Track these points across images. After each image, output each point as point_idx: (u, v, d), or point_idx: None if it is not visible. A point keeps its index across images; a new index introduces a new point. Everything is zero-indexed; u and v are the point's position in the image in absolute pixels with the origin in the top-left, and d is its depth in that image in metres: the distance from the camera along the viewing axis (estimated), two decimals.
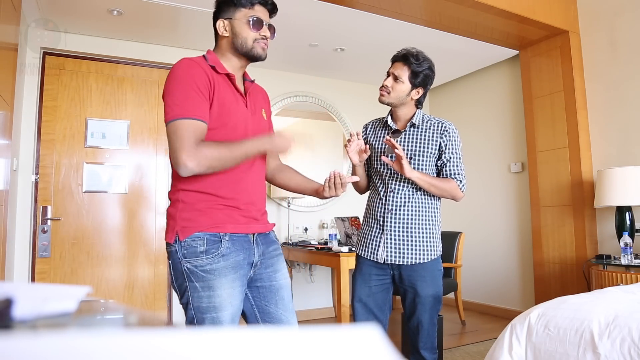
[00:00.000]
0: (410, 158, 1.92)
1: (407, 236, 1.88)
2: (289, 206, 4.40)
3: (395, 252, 1.88)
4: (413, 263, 1.87)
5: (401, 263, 1.88)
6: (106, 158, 3.62)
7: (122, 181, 3.65)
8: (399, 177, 1.91)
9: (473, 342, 3.46)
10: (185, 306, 1.40)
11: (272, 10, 1.52)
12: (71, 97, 3.55)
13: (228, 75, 1.45)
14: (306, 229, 4.46)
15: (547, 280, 3.76)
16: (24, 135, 3.31)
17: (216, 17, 1.49)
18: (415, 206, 1.91)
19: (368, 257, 1.94)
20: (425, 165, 1.93)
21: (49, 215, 3.38)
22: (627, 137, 3.42)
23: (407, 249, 1.88)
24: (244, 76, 1.56)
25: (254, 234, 1.48)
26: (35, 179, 3.38)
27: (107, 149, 3.63)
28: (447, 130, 1.94)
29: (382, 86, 1.93)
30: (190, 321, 1.39)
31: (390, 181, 1.94)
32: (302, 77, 4.66)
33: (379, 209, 1.95)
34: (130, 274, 3.61)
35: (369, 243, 1.95)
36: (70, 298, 0.54)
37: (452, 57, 4.31)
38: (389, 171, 1.94)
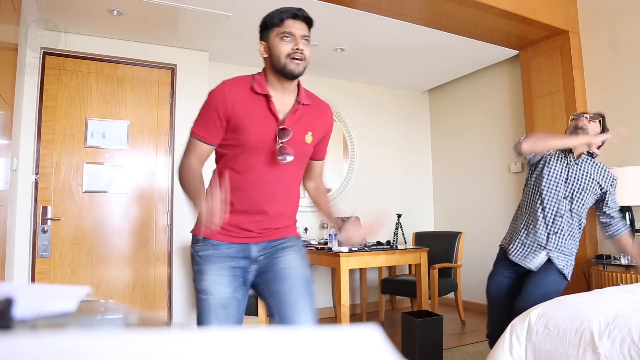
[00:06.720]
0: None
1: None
2: None
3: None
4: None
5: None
6: (106, 158, 3.62)
7: (122, 181, 3.65)
8: (566, 207, 2.29)
9: (473, 342, 3.46)
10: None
11: (306, 21, 1.49)
12: (71, 97, 3.55)
13: (266, 96, 1.50)
14: (306, 229, 4.46)
15: None
16: (24, 135, 3.31)
17: (259, 42, 1.53)
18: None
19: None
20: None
21: (49, 215, 3.38)
22: (627, 137, 3.42)
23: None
24: (298, 97, 1.59)
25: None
26: (35, 179, 3.38)
27: (107, 149, 3.63)
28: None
29: (581, 128, 2.25)
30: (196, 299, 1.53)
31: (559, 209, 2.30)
32: (302, 77, 4.65)
33: (542, 229, 2.29)
34: (130, 274, 3.61)
35: (526, 253, 2.34)
36: (70, 298, 0.54)
37: (452, 57, 4.31)
38: (559, 201, 2.29)
